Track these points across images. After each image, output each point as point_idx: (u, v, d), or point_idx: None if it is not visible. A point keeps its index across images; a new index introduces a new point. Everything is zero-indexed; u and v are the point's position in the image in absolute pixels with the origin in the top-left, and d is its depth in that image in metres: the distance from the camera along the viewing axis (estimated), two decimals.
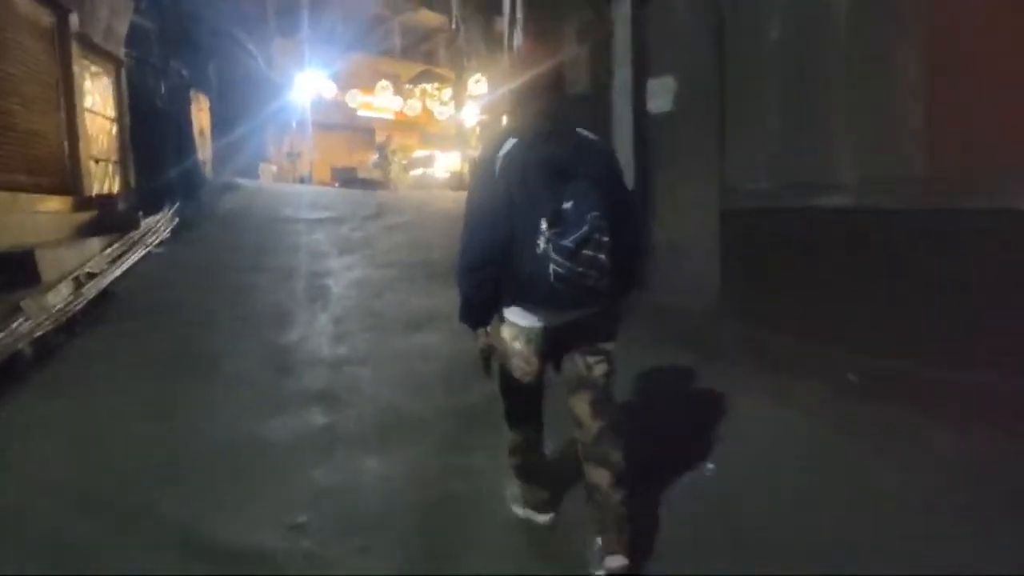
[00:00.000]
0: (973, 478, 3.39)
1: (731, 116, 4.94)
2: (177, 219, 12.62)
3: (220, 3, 28.51)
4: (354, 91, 30.94)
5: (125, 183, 12.75)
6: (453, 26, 19.18)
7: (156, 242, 10.92)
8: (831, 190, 4.26)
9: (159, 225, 11.87)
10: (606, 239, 2.52)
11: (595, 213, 2.50)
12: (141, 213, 11.48)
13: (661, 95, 5.62)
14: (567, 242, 2.48)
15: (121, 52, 12.84)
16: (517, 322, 2.73)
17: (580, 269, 2.50)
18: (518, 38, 8.25)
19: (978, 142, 3.68)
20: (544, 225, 2.52)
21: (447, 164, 25.52)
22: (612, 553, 2.71)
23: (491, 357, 2.85)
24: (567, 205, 2.51)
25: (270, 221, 12.90)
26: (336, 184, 27.12)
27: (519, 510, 3.23)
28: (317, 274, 8.87)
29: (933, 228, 3.85)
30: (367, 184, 26.06)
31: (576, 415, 2.80)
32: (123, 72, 13.01)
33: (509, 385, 2.91)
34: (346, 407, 4.63)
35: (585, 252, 2.49)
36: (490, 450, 3.62)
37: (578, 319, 2.68)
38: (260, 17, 29.90)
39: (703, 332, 5.09)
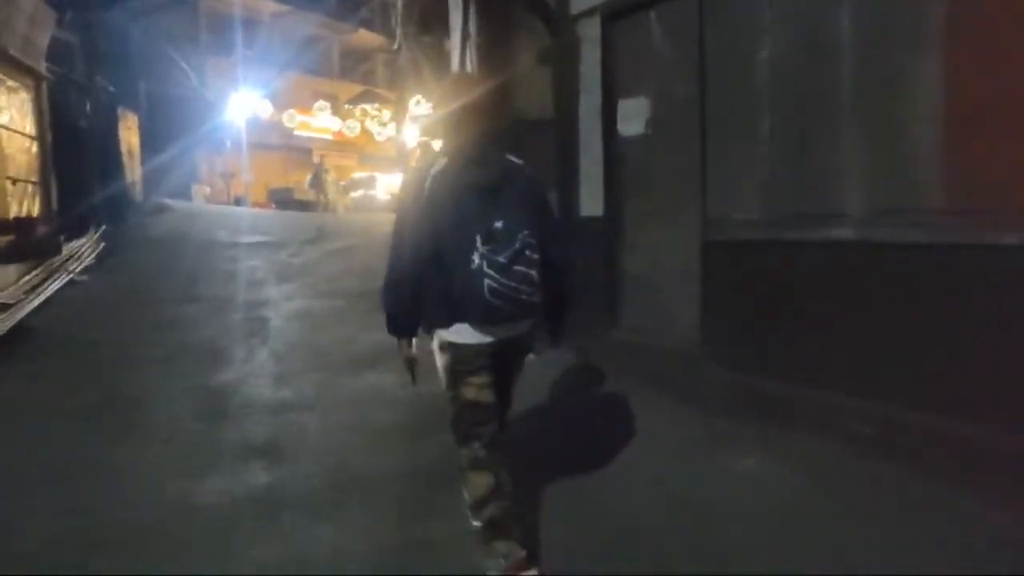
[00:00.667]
0: None
1: (714, 140, 4.58)
2: (103, 244, 11.83)
3: (150, 20, 27.55)
4: (291, 111, 30.14)
5: (46, 205, 11.87)
6: (395, 46, 18.73)
7: (79, 269, 10.15)
8: (831, 221, 3.89)
9: (83, 250, 11.07)
10: (536, 256, 2.66)
11: (525, 231, 2.64)
12: (63, 238, 10.68)
13: (633, 118, 5.28)
14: (501, 258, 2.58)
15: (42, 66, 12.01)
16: (461, 340, 2.75)
17: (513, 284, 2.59)
18: (470, 58, 7.87)
19: (1004, 169, 3.30)
20: (479, 242, 2.59)
21: (388, 186, 24.92)
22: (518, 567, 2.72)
23: (415, 366, 2.95)
24: (498, 224, 2.61)
25: (203, 246, 12.18)
26: (272, 206, 26.26)
27: (493, 566, 2.78)
28: (255, 304, 8.27)
29: (948, 264, 3.44)
30: (305, 206, 25.27)
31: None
32: (44, 88, 12.17)
33: (466, 415, 2.83)
34: (291, 463, 4.11)
35: (517, 268, 2.60)
36: (453, 517, 3.19)
37: (515, 333, 2.77)
38: (192, 35, 28.95)
39: (682, 375, 4.70)
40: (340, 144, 32.97)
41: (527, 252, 2.63)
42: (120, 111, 15.67)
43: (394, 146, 32.77)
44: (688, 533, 3.19)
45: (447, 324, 2.74)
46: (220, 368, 5.95)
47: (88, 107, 14.23)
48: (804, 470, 3.68)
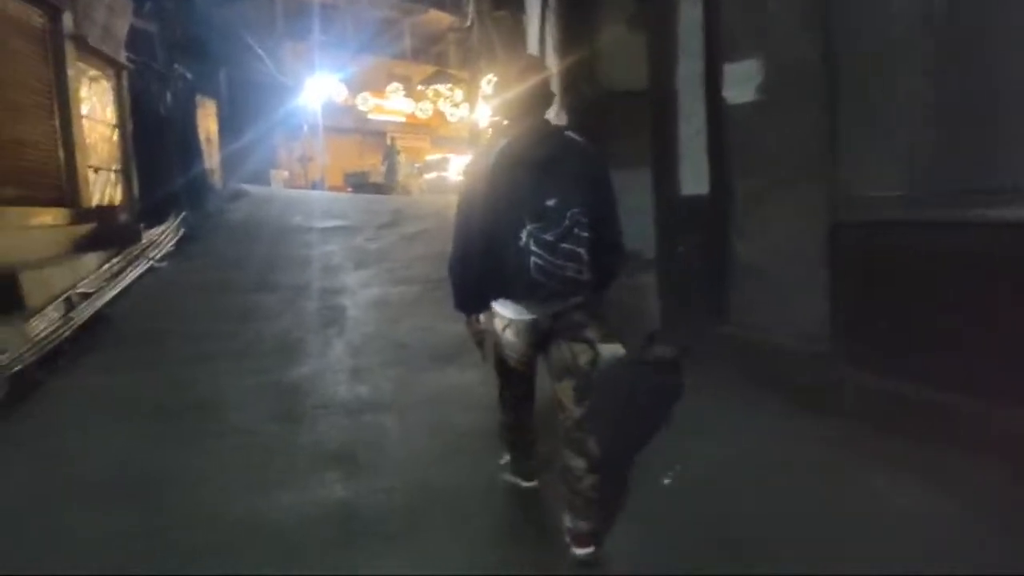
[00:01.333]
0: None
1: (846, 104, 3.88)
2: (182, 230, 11.77)
3: (227, 7, 27.79)
4: (365, 94, 30.09)
5: (127, 193, 11.90)
6: (468, 23, 18.25)
7: (158, 256, 10.06)
8: (1002, 198, 3.21)
9: (162, 238, 11.01)
10: (585, 234, 2.71)
11: (575, 210, 2.69)
12: (143, 225, 10.63)
13: (742, 83, 4.65)
14: (548, 236, 2.67)
15: (121, 55, 11.99)
16: (506, 314, 2.84)
17: (559, 262, 2.68)
18: (550, 30, 7.31)
19: None
20: (528, 220, 2.67)
21: (462, 167, 24.70)
22: (579, 541, 2.82)
23: (483, 342, 3.04)
24: (550, 202, 2.67)
25: (280, 231, 12.02)
26: (349, 189, 26.27)
27: (508, 477, 3.48)
28: (330, 292, 7.96)
29: None
30: (380, 189, 25.17)
31: (560, 400, 2.89)
32: (124, 76, 12.17)
33: (503, 371, 3.13)
34: (368, 475, 3.71)
35: (564, 246, 2.68)
36: (542, 542, 2.89)
37: (561, 309, 2.79)
38: (269, 21, 29.13)
39: (808, 378, 4.08)
40: (413, 126, 32.80)
41: (576, 230, 2.70)
42: (198, 98, 15.67)
43: (467, 127, 32.47)
44: None
45: (498, 296, 2.85)
46: (295, 362, 5.63)
47: (167, 95, 14.23)
48: (971, 502, 3.05)
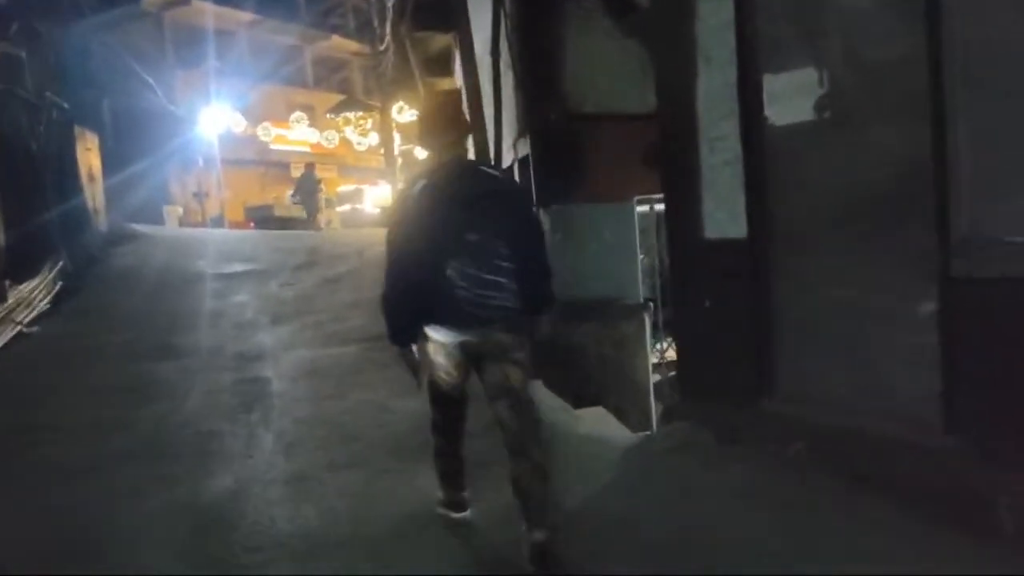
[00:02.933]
0: None
1: (965, 120, 2.90)
2: (59, 283, 9.96)
3: (109, 32, 25.58)
4: (266, 124, 28.26)
5: None
6: (382, 47, 17.03)
7: (28, 318, 8.32)
8: None
9: (35, 294, 9.21)
10: (507, 264, 2.94)
11: (497, 242, 2.92)
12: (8, 282, 8.82)
13: (792, 98, 3.63)
14: (471, 269, 2.88)
15: None
16: (437, 337, 3.02)
17: (483, 292, 2.89)
18: (508, 49, 6.21)
19: None
20: (451, 254, 2.88)
21: (376, 198, 23.05)
22: (534, 528, 2.91)
23: (419, 371, 3.16)
24: (472, 237, 2.90)
25: (179, 279, 10.37)
26: (251, 224, 24.37)
27: (439, 509, 3.41)
28: (247, 358, 6.53)
29: None
30: (286, 223, 23.38)
31: (500, 419, 3.03)
32: None
33: (436, 396, 3.24)
34: None
35: (487, 277, 2.90)
36: None
37: (489, 334, 2.95)
38: (158, 48, 27.08)
39: (924, 480, 3.03)
40: (319, 156, 31.05)
41: (497, 261, 2.92)
42: (78, 130, 13.75)
43: (375, 156, 31.10)
44: None
45: (429, 322, 2.98)
46: (211, 469, 4.22)
47: (39, 128, 12.34)
48: None
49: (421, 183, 3.01)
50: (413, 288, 2.94)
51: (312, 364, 6.23)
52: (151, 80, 24.29)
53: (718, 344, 4.03)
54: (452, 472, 3.39)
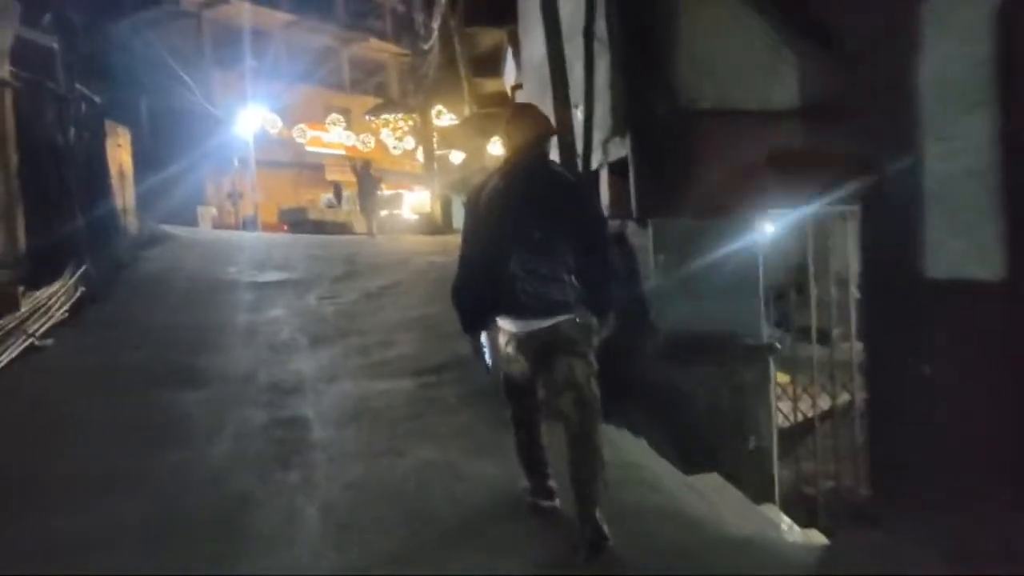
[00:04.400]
0: None
1: None
2: (81, 289, 9.00)
3: (148, 30, 24.89)
4: (301, 125, 27.41)
5: (9, 245, 9.08)
6: (427, 45, 16.05)
7: (42, 330, 7.34)
8: None
9: (53, 301, 8.24)
10: (569, 260, 3.05)
11: (559, 239, 3.04)
12: (23, 289, 7.86)
13: None
14: (533, 264, 3.01)
15: (4, 71, 9.26)
16: (506, 328, 3.14)
17: (544, 286, 3.01)
18: (604, 29, 5.04)
19: None
20: (515, 250, 3.01)
21: (415, 204, 22.00)
22: (586, 523, 2.92)
23: (481, 351, 3.27)
24: (536, 234, 3.02)
25: (209, 288, 9.37)
26: (285, 228, 23.49)
27: (528, 499, 3.38)
28: (283, 391, 5.47)
29: None
30: (320, 227, 22.47)
31: (563, 413, 3.06)
32: (7, 97, 9.41)
33: (510, 389, 3.31)
34: None
35: (547, 272, 3.02)
36: None
37: (555, 326, 3.02)
38: (196, 48, 26.39)
39: None
40: (353, 159, 30.24)
41: (560, 258, 3.04)
42: (109, 126, 12.85)
43: (410, 161, 30.18)
44: None
45: (497, 313, 3.14)
46: (237, 559, 3.14)
47: (68, 122, 11.44)
48: None
49: (494, 180, 3.18)
50: (480, 280, 3.12)
51: (360, 403, 5.14)
52: (188, 79, 23.57)
53: (947, 428, 2.84)
54: (537, 461, 3.37)
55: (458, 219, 18.09)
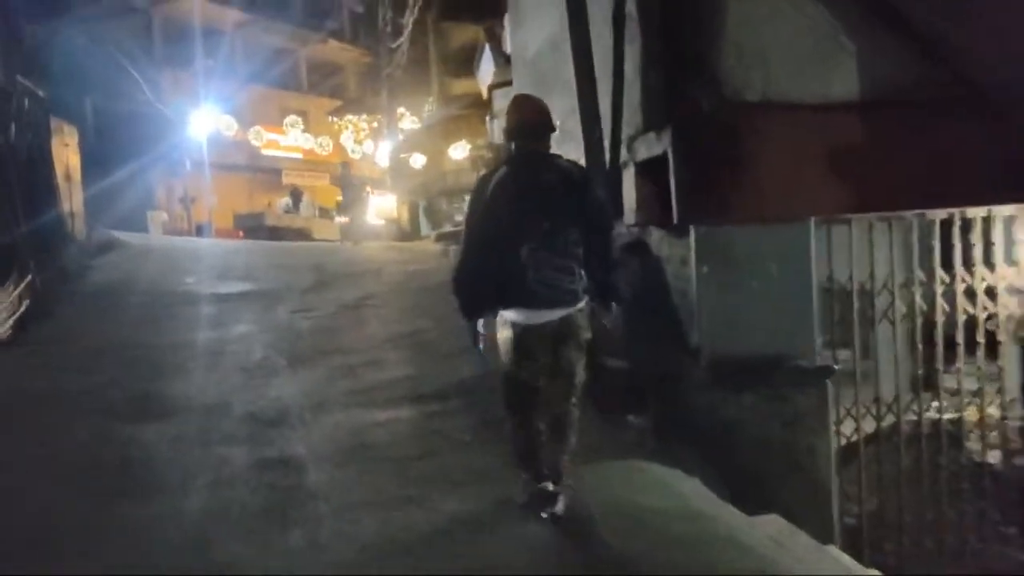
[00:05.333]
0: None
1: None
2: (26, 302, 8.04)
3: (95, 23, 23.55)
4: (258, 128, 26.30)
5: None
6: (395, 44, 15.28)
7: None
8: None
9: None
10: (579, 250, 3.14)
11: (569, 230, 3.11)
12: None
13: None
14: (544, 253, 3.07)
15: None
16: (516, 320, 3.14)
17: (555, 275, 3.07)
18: (636, 10, 4.42)
19: None
20: (527, 240, 3.06)
21: (381, 208, 21.06)
22: (544, 501, 3.16)
23: (480, 340, 3.32)
24: (546, 224, 3.08)
25: (166, 301, 8.47)
26: (240, 234, 22.40)
27: (531, 488, 3.25)
28: (263, 422, 4.71)
29: None
30: (277, 233, 21.44)
31: (554, 395, 3.21)
32: None
33: (511, 382, 3.25)
34: None
35: (558, 261, 3.08)
36: None
37: (564, 318, 3.12)
38: (145, 44, 25.05)
39: None
40: (311, 163, 29.17)
41: (569, 248, 3.11)
42: (55, 123, 11.78)
43: (369, 165, 29.26)
44: None
45: (505, 307, 3.15)
46: None
47: (10, 116, 10.39)
48: None
49: (501, 172, 3.20)
50: (488, 270, 3.12)
51: (357, 437, 4.42)
52: (138, 77, 22.30)
53: None
54: (535, 448, 3.27)
55: (425, 227, 17.30)
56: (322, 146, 27.82)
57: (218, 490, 3.76)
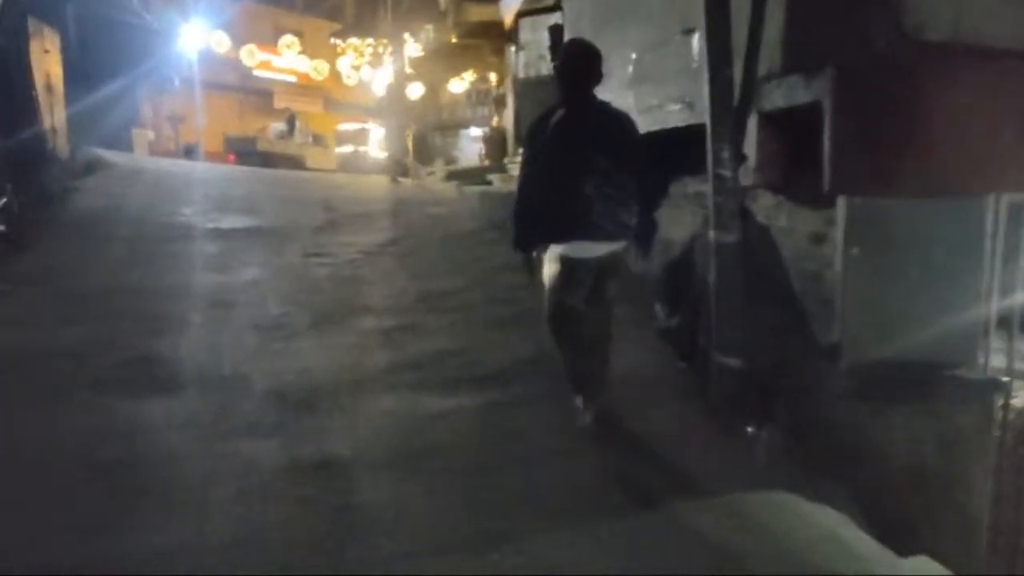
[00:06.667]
0: None
1: None
2: (1, 228, 7.00)
3: None
4: (251, 46, 24.61)
5: None
6: None
7: None
8: None
9: None
10: (632, 187, 3.32)
11: (624, 168, 3.28)
12: None
13: None
14: (607, 189, 3.22)
15: None
16: (573, 255, 3.27)
17: (614, 210, 3.24)
18: None
19: None
20: (590, 176, 3.20)
21: (383, 141, 19.63)
22: (589, 403, 3.46)
23: (533, 268, 3.50)
24: (605, 162, 3.23)
25: (160, 235, 7.43)
26: (231, 158, 21.06)
27: (589, 408, 3.46)
28: (291, 405, 3.81)
29: None
30: (269, 160, 20.14)
31: (593, 322, 3.43)
32: None
33: (565, 313, 3.36)
34: None
35: (618, 196, 3.25)
36: None
37: (615, 250, 3.36)
38: None
39: None
40: (304, 88, 27.58)
41: (626, 184, 3.28)
42: (34, 25, 10.43)
43: (365, 94, 27.71)
44: None
45: (562, 240, 3.28)
46: None
47: None
48: None
49: (559, 114, 3.31)
50: (549, 204, 3.26)
51: (413, 435, 3.53)
52: None
53: None
54: (588, 371, 3.47)
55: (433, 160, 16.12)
56: (318, 70, 26.20)
57: (246, 506, 2.87)
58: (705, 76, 3.50)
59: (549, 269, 3.34)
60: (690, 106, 4.42)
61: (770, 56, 3.63)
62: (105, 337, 4.63)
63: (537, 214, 3.32)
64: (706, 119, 3.49)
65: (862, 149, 3.25)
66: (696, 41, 4.29)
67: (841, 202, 3.36)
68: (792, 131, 3.66)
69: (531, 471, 3.18)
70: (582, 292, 3.32)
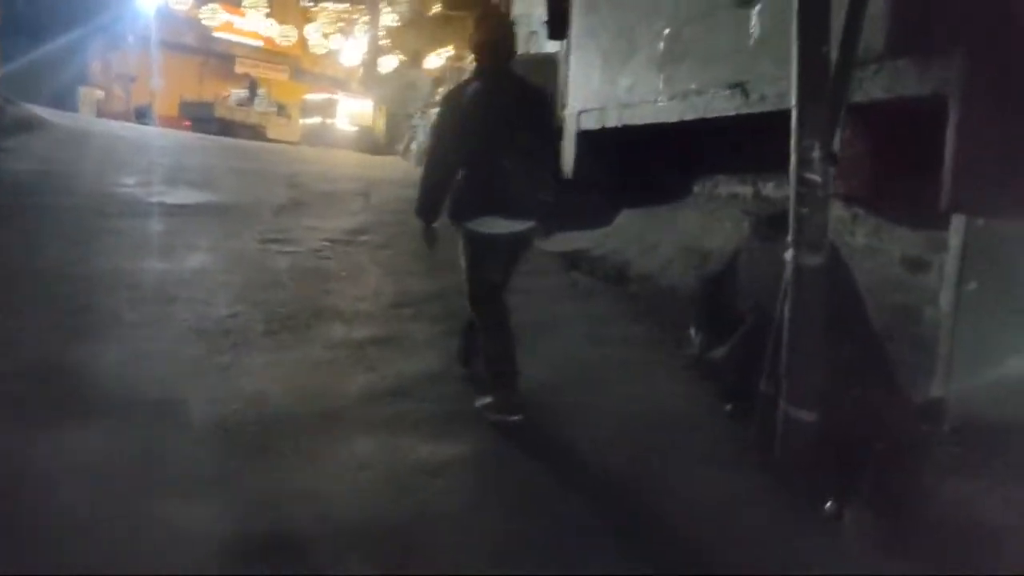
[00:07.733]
0: None
1: None
2: None
3: None
4: (214, 5, 23.12)
5: None
6: None
7: None
8: None
9: None
10: (547, 163, 3.46)
11: (540, 143, 3.38)
12: None
13: None
14: (525, 164, 3.15)
15: None
16: (491, 231, 3.19)
17: (532, 185, 3.19)
18: None
19: None
20: (508, 151, 3.13)
21: (355, 113, 18.40)
22: (509, 410, 3.20)
23: (434, 238, 3.37)
24: (522, 136, 3.18)
25: (97, 208, 6.43)
26: (187, 124, 19.76)
27: (493, 417, 3.20)
28: (240, 448, 2.95)
29: None
30: (227, 128, 18.91)
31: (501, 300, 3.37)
32: None
33: (485, 292, 3.29)
34: None
35: (534, 172, 3.21)
36: None
37: (531, 228, 3.31)
38: None
39: None
40: (271, 54, 26.17)
41: (543, 160, 3.38)
42: None
43: (333, 63, 26.46)
44: None
45: (475, 216, 3.18)
46: None
47: None
48: None
49: (474, 86, 3.23)
50: (461, 179, 3.18)
51: (401, 498, 2.70)
52: None
53: None
54: (510, 372, 3.25)
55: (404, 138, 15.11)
56: (285, 36, 24.80)
57: None
58: (791, 54, 2.70)
59: (467, 247, 3.25)
60: (743, 92, 3.64)
61: (869, 33, 2.86)
62: (3, 335, 3.70)
63: (450, 187, 3.22)
64: (791, 108, 2.70)
65: (996, 158, 2.51)
66: (756, 13, 3.50)
67: (958, 222, 2.62)
68: (889, 129, 2.90)
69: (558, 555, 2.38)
70: (500, 268, 3.29)
